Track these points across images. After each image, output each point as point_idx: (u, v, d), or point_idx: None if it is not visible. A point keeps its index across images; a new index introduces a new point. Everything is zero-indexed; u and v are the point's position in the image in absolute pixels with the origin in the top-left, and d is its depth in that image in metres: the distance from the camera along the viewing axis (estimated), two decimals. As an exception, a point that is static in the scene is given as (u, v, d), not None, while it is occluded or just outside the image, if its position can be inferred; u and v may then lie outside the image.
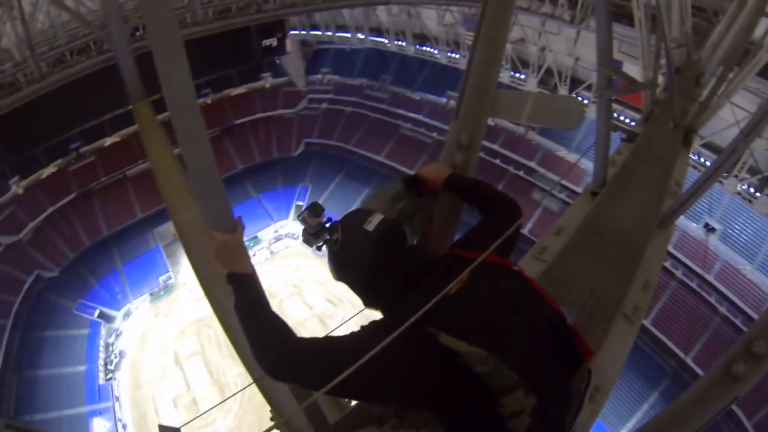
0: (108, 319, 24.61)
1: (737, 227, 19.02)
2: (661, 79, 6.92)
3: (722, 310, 18.49)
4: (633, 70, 11.33)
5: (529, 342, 1.54)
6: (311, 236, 1.91)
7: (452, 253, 1.87)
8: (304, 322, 23.55)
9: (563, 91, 21.60)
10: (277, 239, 28.75)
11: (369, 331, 1.58)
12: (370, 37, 28.90)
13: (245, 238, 1.80)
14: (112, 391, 21.77)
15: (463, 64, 24.81)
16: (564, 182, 23.16)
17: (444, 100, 28.96)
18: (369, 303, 1.83)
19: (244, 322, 1.63)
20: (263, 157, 31.92)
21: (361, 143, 31.21)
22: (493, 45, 2.25)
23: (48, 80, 12.82)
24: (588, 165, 19.94)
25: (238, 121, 31.85)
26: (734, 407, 14.64)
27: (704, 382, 2.30)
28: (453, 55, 26.26)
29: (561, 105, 2.15)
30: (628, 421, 18.27)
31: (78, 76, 13.06)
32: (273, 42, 18.55)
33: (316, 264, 25.96)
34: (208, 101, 30.33)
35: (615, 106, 17.78)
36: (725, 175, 16.64)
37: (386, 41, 28.39)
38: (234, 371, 21.72)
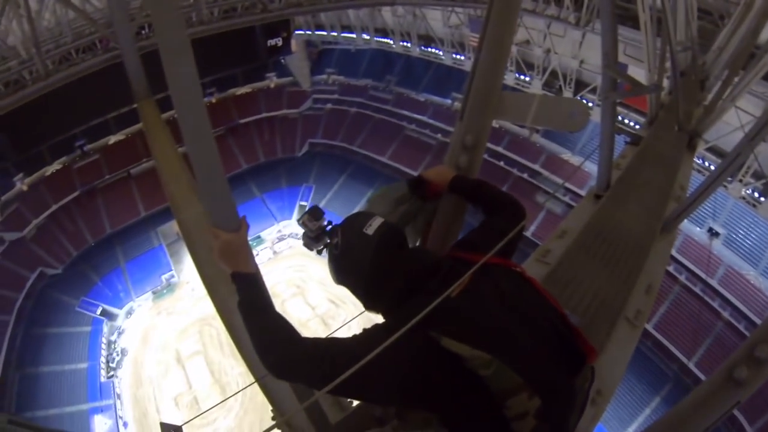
0: (110, 316, 24.68)
1: (741, 232, 18.97)
2: (666, 83, 6.90)
3: (725, 315, 18.43)
4: (638, 73, 11.30)
5: (531, 344, 1.53)
6: (312, 240, 1.91)
7: (453, 254, 1.87)
8: (307, 322, 23.56)
9: (568, 93, 21.55)
10: (281, 239, 28.77)
11: (371, 333, 1.58)
12: (376, 38, 28.87)
13: (248, 238, 1.80)
14: (114, 389, 21.81)
15: (468, 66, 24.81)
16: (568, 185, 23.14)
17: (448, 101, 28.98)
18: (370, 306, 1.83)
19: (247, 321, 1.64)
20: (267, 156, 31.95)
21: (365, 144, 31.23)
22: (498, 47, 2.25)
23: (53, 78, 12.87)
24: (592, 168, 19.90)
25: (243, 121, 31.90)
26: (736, 412, 14.59)
27: (706, 386, 2.29)
28: (458, 56, 26.22)
29: (565, 107, 2.14)
30: (630, 425, 18.20)
31: (83, 74, 13.10)
32: (278, 42, 18.54)
33: (318, 264, 25.89)
34: (213, 100, 30.37)
35: (619, 109, 17.76)
36: (729, 179, 16.57)
37: (391, 42, 28.36)
38: (235, 371, 21.74)
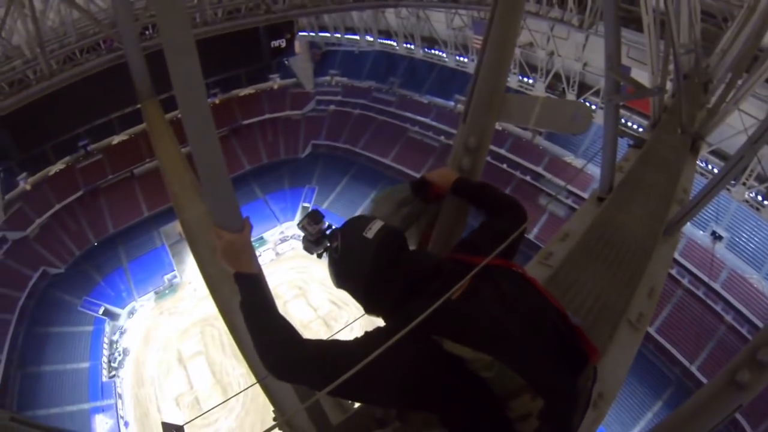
0: (112, 316, 24.74)
1: (744, 235, 18.91)
2: (669, 85, 6.89)
3: (728, 318, 18.38)
4: (641, 75, 11.30)
5: (533, 345, 1.53)
6: (311, 244, 1.91)
7: (454, 256, 1.86)
8: (309, 323, 23.58)
9: (571, 96, 21.54)
10: (283, 240, 28.80)
11: (372, 336, 1.58)
12: (379, 40, 28.92)
13: (251, 239, 1.80)
14: (115, 389, 21.86)
15: (471, 68, 24.80)
16: (571, 188, 23.12)
17: (452, 103, 29.03)
18: (370, 310, 1.83)
19: (249, 321, 1.63)
20: (270, 158, 32.03)
21: (368, 146, 31.27)
22: (501, 49, 2.25)
23: (57, 78, 12.90)
24: (595, 171, 19.90)
25: (246, 122, 32.02)
26: (738, 415, 14.54)
27: (708, 389, 2.28)
28: (461, 58, 26.24)
29: (568, 110, 2.14)
30: (632, 429, 18.16)
31: (87, 74, 13.14)
32: (282, 43, 18.54)
33: (321, 266, 25.62)
34: (217, 101, 30.50)
35: (623, 111, 17.76)
36: (733, 182, 16.54)
37: (395, 44, 28.40)
38: (237, 371, 21.77)
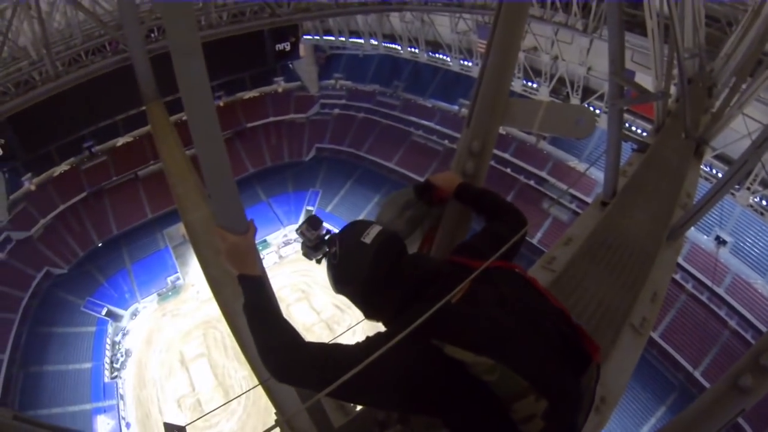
0: (115, 317, 24.77)
1: (749, 240, 18.85)
2: (673, 90, 6.89)
3: (732, 323, 18.30)
4: (646, 80, 11.29)
5: (535, 346, 1.53)
6: (310, 249, 1.92)
7: (453, 260, 1.86)
8: (311, 327, 23.56)
9: (575, 100, 21.55)
10: (286, 243, 28.74)
11: (373, 340, 1.57)
12: (384, 44, 28.95)
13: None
14: (117, 390, 21.86)
15: (475, 72, 24.82)
16: (575, 192, 23.09)
17: (456, 107, 29.01)
18: (370, 315, 1.83)
19: (252, 323, 1.64)
20: (274, 161, 32.04)
21: (372, 149, 31.27)
22: (505, 53, 2.25)
23: (63, 79, 12.96)
24: (598, 175, 19.85)
25: (250, 125, 32.05)
26: (741, 420, 14.47)
27: (711, 394, 2.28)
28: (466, 62, 26.26)
29: (572, 114, 2.14)
30: (635, 434, 18.11)
31: (93, 76, 13.20)
32: (286, 46, 18.62)
33: (324, 269, 25.43)
34: (221, 104, 30.49)
35: (626, 116, 17.72)
36: (737, 187, 16.50)
37: (399, 48, 28.43)
38: (239, 374, 21.76)
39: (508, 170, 25.87)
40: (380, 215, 2.22)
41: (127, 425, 20.73)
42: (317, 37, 31.92)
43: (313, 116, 33.49)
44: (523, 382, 1.41)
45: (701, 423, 2.20)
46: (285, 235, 29.07)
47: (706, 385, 17.36)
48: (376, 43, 29.18)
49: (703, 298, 19.19)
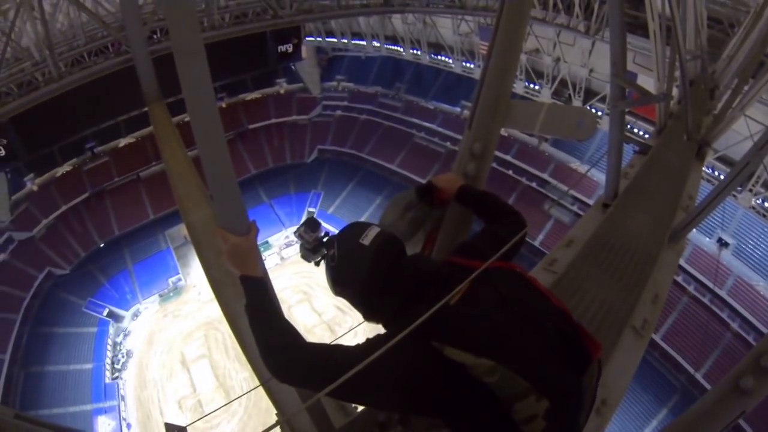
0: (117, 318, 24.81)
1: (751, 242, 18.81)
2: (675, 92, 6.88)
3: (734, 326, 18.26)
4: (647, 81, 11.29)
5: (535, 346, 1.52)
6: (308, 252, 1.91)
7: (452, 261, 1.86)
8: (313, 328, 23.54)
9: (577, 102, 21.54)
10: (288, 245, 28.69)
11: (374, 342, 1.57)
12: (386, 45, 28.99)
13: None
14: (118, 390, 21.88)
15: (477, 74, 24.83)
16: (577, 194, 23.07)
17: (458, 109, 28.99)
18: (370, 317, 1.82)
19: (253, 324, 1.64)
20: (276, 162, 32.07)
21: (374, 151, 31.29)
22: (507, 55, 2.26)
23: (66, 80, 12.96)
24: (601, 177, 19.84)
25: (252, 126, 32.09)
26: (742, 421, 14.43)
27: (712, 395, 2.28)
28: (468, 64, 26.28)
29: (573, 116, 2.15)
30: (636, 436, 18.07)
31: (95, 76, 13.19)
32: (288, 48, 18.60)
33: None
34: (223, 105, 30.50)
35: (628, 118, 17.70)
36: (739, 188, 16.47)
37: (401, 50, 28.47)
38: (240, 375, 21.76)
39: (510, 172, 25.85)
40: (383, 217, 2.23)
41: (128, 426, 20.74)
42: (319, 39, 31.98)
43: (315, 118, 33.53)
44: (523, 383, 1.40)
45: (702, 424, 2.20)
46: (287, 237, 29.05)
47: (708, 387, 17.29)
48: (378, 44, 29.23)
49: (705, 300, 19.15)
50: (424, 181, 2.32)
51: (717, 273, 18.61)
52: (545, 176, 25.02)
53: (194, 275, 26.49)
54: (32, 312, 22.72)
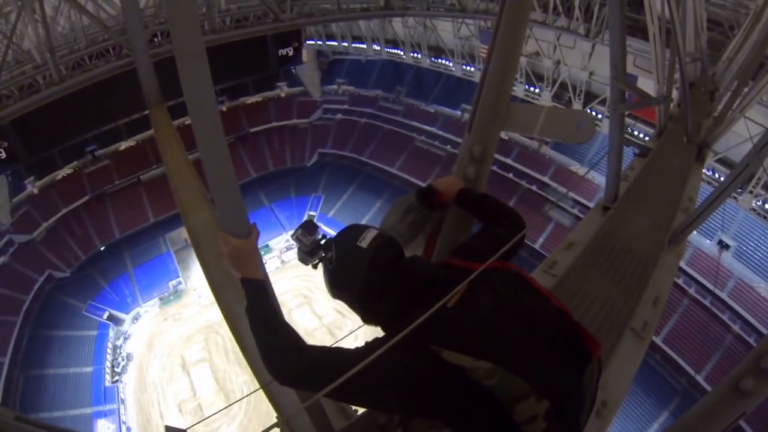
0: (117, 321, 24.78)
1: (752, 244, 18.80)
2: (675, 94, 6.89)
3: (735, 328, 18.23)
4: (647, 84, 11.30)
5: (535, 347, 1.52)
6: (306, 255, 1.90)
7: (450, 262, 1.86)
8: (313, 332, 23.51)
9: (577, 105, 21.56)
10: (288, 248, 28.66)
11: (373, 345, 1.57)
12: (386, 49, 29.07)
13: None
14: (118, 394, 21.87)
15: (478, 77, 24.85)
16: (577, 197, 23.07)
17: (458, 113, 29.02)
18: (368, 320, 1.83)
19: (254, 326, 1.64)
20: (277, 165, 32.09)
21: (374, 154, 31.30)
22: (506, 58, 2.26)
23: (67, 83, 12.97)
24: (601, 180, 19.86)
25: (253, 130, 32.12)
26: (742, 423, 14.39)
27: (712, 397, 2.27)
28: (468, 67, 26.34)
29: (572, 119, 2.15)
30: (637, 440, 18.02)
31: (96, 80, 13.21)
32: (289, 51, 18.63)
33: (325, 274, 25.72)
34: (224, 109, 30.58)
35: (628, 120, 17.70)
36: (740, 191, 16.47)
37: (402, 53, 28.53)
38: (240, 379, 21.73)
39: (511, 175, 25.86)
40: (384, 221, 2.23)
41: (128, 429, 20.70)
42: (320, 42, 32.08)
43: (316, 121, 33.57)
44: (523, 384, 1.40)
45: (702, 426, 2.19)
46: (287, 240, 29.01)
47: (709, 389, 17.20)
48: (378, 48, 29.31)
49: (706, 302, 19.12)
50: (424, 185, 2.32)
51: (718, 275, 18.60)
52: (546, 179, 25.02)
53: (195, 278, 26.46)
54: (32, 315, 22.70)
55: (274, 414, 2.46)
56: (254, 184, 30.62)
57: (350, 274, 1.74)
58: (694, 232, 4.08)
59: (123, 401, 21.77)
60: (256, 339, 1.62)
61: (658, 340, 18.78)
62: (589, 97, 21.44)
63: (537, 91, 23.28)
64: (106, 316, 24.31)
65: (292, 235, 1.95)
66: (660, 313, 3.15)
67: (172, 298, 26.39)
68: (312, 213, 30.04)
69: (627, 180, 4.79)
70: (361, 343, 1.60)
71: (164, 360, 23.51)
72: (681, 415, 2.33)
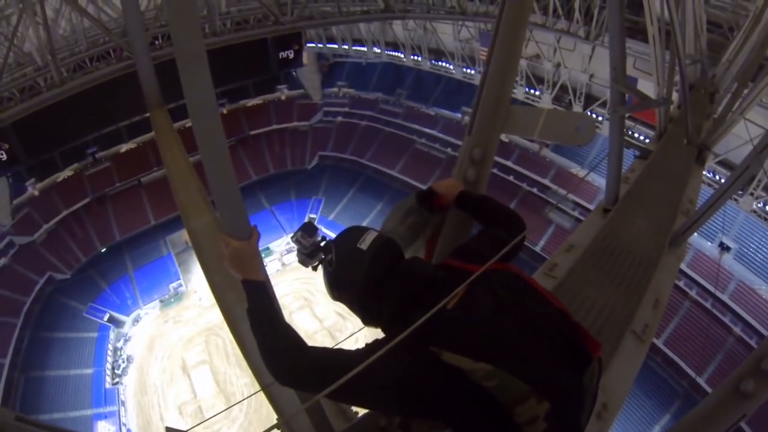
0: (117, 323, 24.78)
1: (753, 246, 18.78)
2: (675, 96, 6.89)
3: (736, 330, 18.21)
4: (648, 86, 11.31)
5: (534, 348, 1.52)
6: (306, 257, 1.90)
7: (449, 264, 1.86)
8: (314, 334, 23.47)
9: (577, 107, 21.57)
10: (289, 251, 28.59)
11: (373, 347, 1.57)
12: (387, 51, 29.09)
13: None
14: (118, 396, 21.86)
15: (478, 80, 24.86)
16: (577, 199, 23.07)
17: (458, 115, 29.00)
18: (368, 322, 1.83)
19: (255, 327, 1.65)
20: (277, 168, 32.08)
21: (375, 157, 31.31)
22: (506, 60, 2.26)
23: (68, 85, 13.00)
24: (601, 182, 19.84)
25: (253, 132, 32.12)
26: (743, 425, 14.35)
27: (712, 399, 2.28)
28: (468, 70, 26.36)
29: (572, 121, 2.15)
30: (638, 442, 17.98)
31: (97, 82, 13.24)
32: (289, 54, 18.70)
33: (326, 277, 25.71)
34: (224, 111, 30.57)
35: (628, 122, 17.70)
36: (740, 192, 16.46)
37: (402, 56, 28.55)
38: (241, 381, 21.71)
39: (511, 178, 25.84)
40: (385, 224, 2.23)
41: (128, 431, 20.67)
42: (320, 45, 32.09)
43: (316, 124, 33.58)
44: (523, 386, 1.40)
45: (703, 428, 2.19)
46: (288, 243, 28.92)
47: (710, 391, 17.21)
48: (379, 51, 29.33)
49: (707, 304, 19.09)
50: (424, 187, 2.32)
51: (718, 277, 18.57)
52: (546, 182, 25.01)
53: (195, 281, 26.46)
54: (33, 316, 22.71)
55: (275, 416, 2.45)
56: (255, 186, 30.61)
57: (350, 275, 1.74)
58: (695, 234, 4.08)
59: (123, 403, 21.75)
60: (257, 340, 1.63)
61: (659, 343, 18.75)
62: (590, 99, 21.46)
63: (537, 93, 23.29)
64: (106, 318, 24.30)
65: (291, 238, 1.95)
66: (661, 315, 3.15)
67: (172, 300, 26.37)
68: (312, 216, 30.04)
69: (627, 182, 4.80)
70: (361, 346, 1.61)
71: (165, 362, 23.50)
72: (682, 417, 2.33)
